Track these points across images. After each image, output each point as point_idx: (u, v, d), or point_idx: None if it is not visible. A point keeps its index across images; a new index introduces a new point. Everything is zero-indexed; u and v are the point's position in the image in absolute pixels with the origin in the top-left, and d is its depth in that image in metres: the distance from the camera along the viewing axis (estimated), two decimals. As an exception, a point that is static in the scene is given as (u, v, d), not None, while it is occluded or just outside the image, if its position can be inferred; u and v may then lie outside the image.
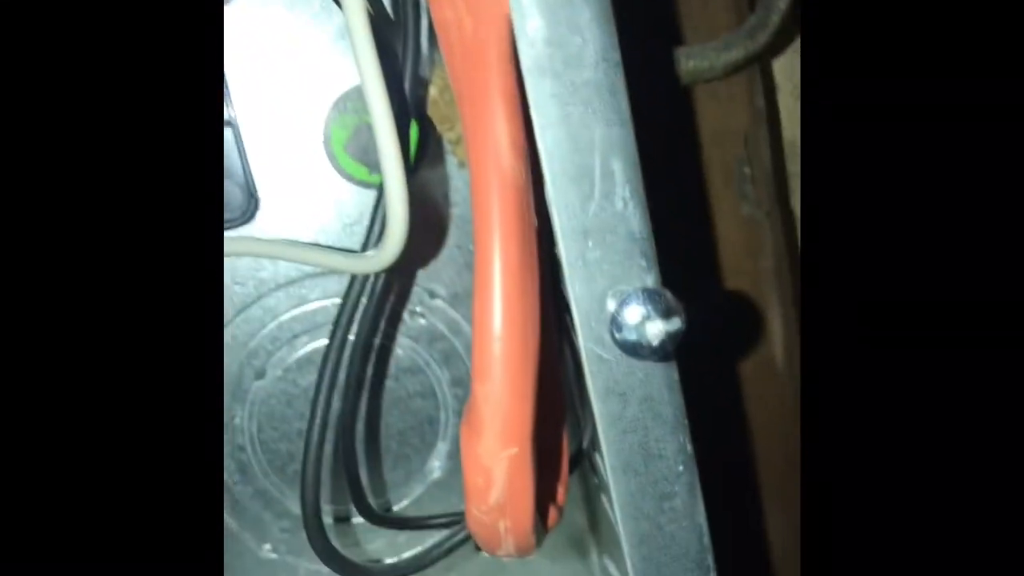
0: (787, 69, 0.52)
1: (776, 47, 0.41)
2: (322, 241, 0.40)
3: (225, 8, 0.38)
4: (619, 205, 0.25)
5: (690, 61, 0.40)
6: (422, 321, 0.42)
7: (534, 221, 0.25)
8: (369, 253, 0.30)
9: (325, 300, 0.41)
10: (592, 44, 0.24)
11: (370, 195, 0.40)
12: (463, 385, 0.43)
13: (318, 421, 0.32)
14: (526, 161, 0.25)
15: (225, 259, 0.37)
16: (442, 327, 0.42)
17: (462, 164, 0.39)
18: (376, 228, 0.31)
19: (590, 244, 0.25)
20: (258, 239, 0.36)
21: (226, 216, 0.38)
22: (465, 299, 0.42)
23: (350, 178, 0.40)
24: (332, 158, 0.40)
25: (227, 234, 0.37)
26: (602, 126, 0.24)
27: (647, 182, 0.25)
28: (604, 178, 0.25)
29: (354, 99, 0.39)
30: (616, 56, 0.24)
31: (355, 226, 0.40)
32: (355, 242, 0.40)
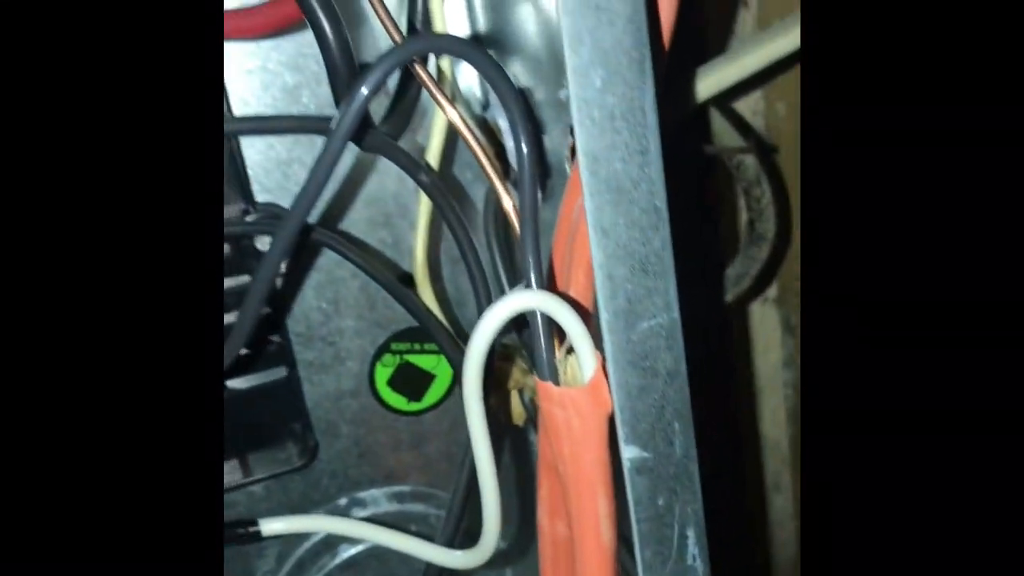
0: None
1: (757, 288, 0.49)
2: (368, 467, 0.45)
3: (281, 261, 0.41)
4: (690, 560, 0.31)
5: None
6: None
7: (619, 569, 0.32)
8: (459, 554, 0.35)
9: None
10: (679, 446, 0.30)
11: (411, 420, 0.45)
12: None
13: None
14: (617, 527, 0.31)
15: (319, 530, 0.42)
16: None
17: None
18: (457, 512, 0.37)
19: (666, 592, 0.31)
20: (361, 522, 0.41)
21: (288, 463, 0.42)
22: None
23: (393, 410, 0.44)
24: (376, 394, 0.44)
25: (326, 515, 0.42)
26: (681, 505, 0.31)
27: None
28: (680, 542, 0.31)
29: (395, 340, 0.44)
30: (694, 452, 0.30)
31: (399, 451, 0.45)
32: (403, 466, 0.45)
